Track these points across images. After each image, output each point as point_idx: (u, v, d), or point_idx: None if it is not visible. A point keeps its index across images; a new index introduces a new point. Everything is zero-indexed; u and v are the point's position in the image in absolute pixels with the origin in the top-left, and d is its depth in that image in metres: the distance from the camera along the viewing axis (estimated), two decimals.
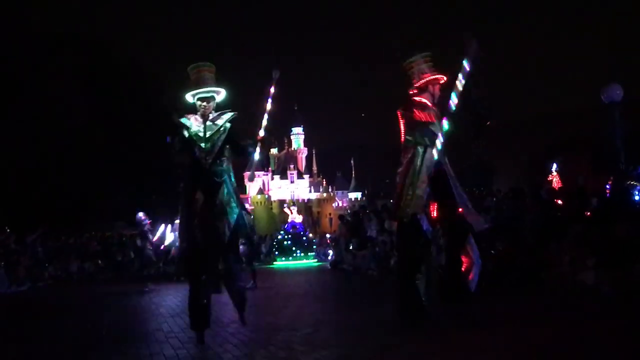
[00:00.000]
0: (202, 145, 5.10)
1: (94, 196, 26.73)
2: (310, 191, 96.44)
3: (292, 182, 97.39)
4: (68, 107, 27.18)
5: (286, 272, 17.43)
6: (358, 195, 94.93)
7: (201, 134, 5.13)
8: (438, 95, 5.34)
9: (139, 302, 9.81)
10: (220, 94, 5.31)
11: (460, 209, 5.05)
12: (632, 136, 12.32)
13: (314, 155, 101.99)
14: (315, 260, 21.82)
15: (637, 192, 9.65)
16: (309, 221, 79.60)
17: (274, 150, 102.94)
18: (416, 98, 5.32)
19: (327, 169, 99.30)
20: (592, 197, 9.64)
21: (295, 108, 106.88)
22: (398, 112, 5.29)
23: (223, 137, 5.14)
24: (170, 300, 9.61)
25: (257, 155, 5.25)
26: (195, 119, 5.22)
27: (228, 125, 5.20)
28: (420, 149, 5.09)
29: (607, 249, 7.41)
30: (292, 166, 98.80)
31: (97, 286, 14.45)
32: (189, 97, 5.24)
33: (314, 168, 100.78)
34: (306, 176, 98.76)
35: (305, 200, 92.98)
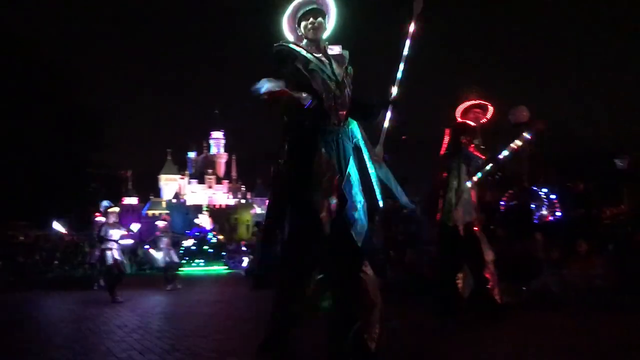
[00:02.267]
0: (334, 91, 3.34)
1: None
2: (228, 197, 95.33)
3: (210, 187, 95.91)
4: None
5: (197, 279, 17.14)
6: None
7: (327, 71, 3.35)
8: (478, 118, 6.12)
9: (39, 307, 9.35)
10: (330, 15, 3.51)
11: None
12: (535, 157, 13.09)
13: (233, 161, 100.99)
14: (226, 267, 21.50)
15: (537, 210, 10.22)
16: (226, 227, 78.83)
17: (191, 154, 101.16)
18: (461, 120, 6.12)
19: (247, 175, 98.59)
20: (496, 213, 10.12)
21: (216, 111, 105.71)
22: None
23: (350, 85, 3.45)
24: (71, 305, 9.24)
25: (386, 122, 3.70)
26: (307, 50, 3.40)
27: (351, 69, 3.50)
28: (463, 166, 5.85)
29: (508, 263, 7.83)
30: (210, 171, 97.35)
31: None
32: (288, 20, 3.50)
33: (233, 174, 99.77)
34: (225, 182, 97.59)
35: (223, 206, 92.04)
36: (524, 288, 7.32)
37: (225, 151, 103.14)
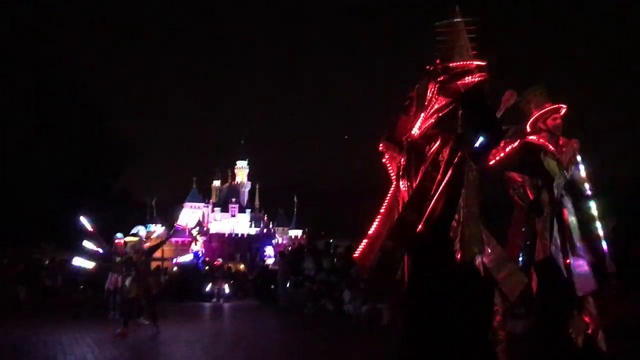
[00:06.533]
0: None
1: (26, 216, 25.62)
2: (250, 226, 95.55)
3: (233, 215, 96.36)
4: (6, 122, 26.31)
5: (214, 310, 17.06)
6: (299, 233, 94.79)
7: None
8: (557, 125, 4.80)
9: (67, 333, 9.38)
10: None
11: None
12: None
13: (257, 190, 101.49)
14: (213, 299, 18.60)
15: None
16: (247, 256, 78.73)
17: (216, 182, 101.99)
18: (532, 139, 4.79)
19: (270, 204, 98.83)
20: None
21: (242, 142, 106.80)
22: None
23: None
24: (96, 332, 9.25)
25: None
26: None
27: None
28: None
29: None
30: (234, 200, 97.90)
31: (23, 313, 13.72)
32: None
33: (256, 203, 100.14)
34: (248, 210, 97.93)
35: (245, 235, 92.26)
36: None
37: (249, 180, 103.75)
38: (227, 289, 19.59)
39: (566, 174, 4.65)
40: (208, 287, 18.69)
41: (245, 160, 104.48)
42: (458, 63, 3.57)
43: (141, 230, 9.86)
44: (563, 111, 4.80)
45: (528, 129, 4.86)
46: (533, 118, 4.80)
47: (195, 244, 21.38)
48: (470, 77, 3.55)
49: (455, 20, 3.62)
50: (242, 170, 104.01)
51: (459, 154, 3.37)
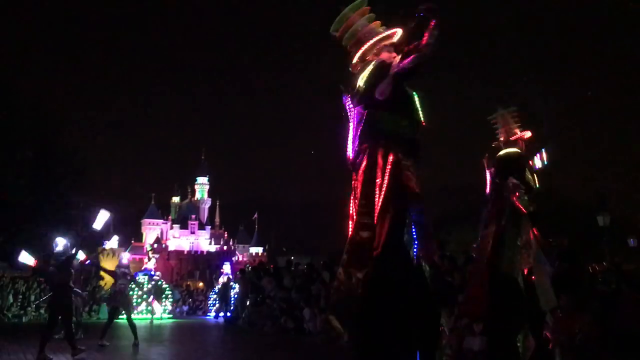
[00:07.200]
0: None
1: None
2: (210, 243, 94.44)
3: (192, 232, 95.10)
4: None
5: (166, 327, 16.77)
6: (259, 250, 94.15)
7: None
8: (530, 147, 5.69)
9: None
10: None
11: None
12: None
13: (217, 206, 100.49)
14: (170, 315, 19.14)
15: None
16: (207, 274, 77.64)
17: (175, 199, 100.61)
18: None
19: (230, 221, 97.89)
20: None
21: (202, 157, 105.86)
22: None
23: None
24: None
25: None
26: None
27: None
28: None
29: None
30: (193, 216, 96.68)
31: None
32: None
33: (217, 220, 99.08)
34: (208, 227, 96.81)
35: (204, 252, 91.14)
36: None
37: (209, 197, 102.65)
38: (168, 305, 19.46)
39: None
40: (140, 307, 18.20)
41: (205, 176, 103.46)
42: (368, 44, 3.65)
43: (60, 241, 8.86)
44: (527, 135, 5.63)
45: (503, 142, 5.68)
46: (516, 137, 5.59)
47: (149, 261, 20.96)
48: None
49: (343, 12, 3.68)
50: (202, 187, 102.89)
51: (391, 155, 3.41)
